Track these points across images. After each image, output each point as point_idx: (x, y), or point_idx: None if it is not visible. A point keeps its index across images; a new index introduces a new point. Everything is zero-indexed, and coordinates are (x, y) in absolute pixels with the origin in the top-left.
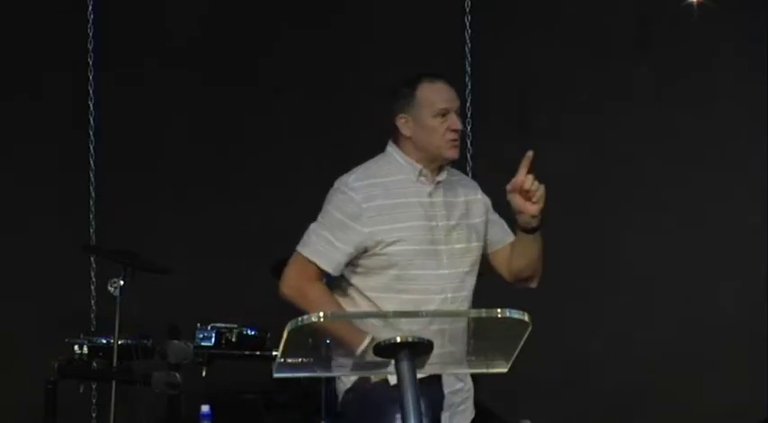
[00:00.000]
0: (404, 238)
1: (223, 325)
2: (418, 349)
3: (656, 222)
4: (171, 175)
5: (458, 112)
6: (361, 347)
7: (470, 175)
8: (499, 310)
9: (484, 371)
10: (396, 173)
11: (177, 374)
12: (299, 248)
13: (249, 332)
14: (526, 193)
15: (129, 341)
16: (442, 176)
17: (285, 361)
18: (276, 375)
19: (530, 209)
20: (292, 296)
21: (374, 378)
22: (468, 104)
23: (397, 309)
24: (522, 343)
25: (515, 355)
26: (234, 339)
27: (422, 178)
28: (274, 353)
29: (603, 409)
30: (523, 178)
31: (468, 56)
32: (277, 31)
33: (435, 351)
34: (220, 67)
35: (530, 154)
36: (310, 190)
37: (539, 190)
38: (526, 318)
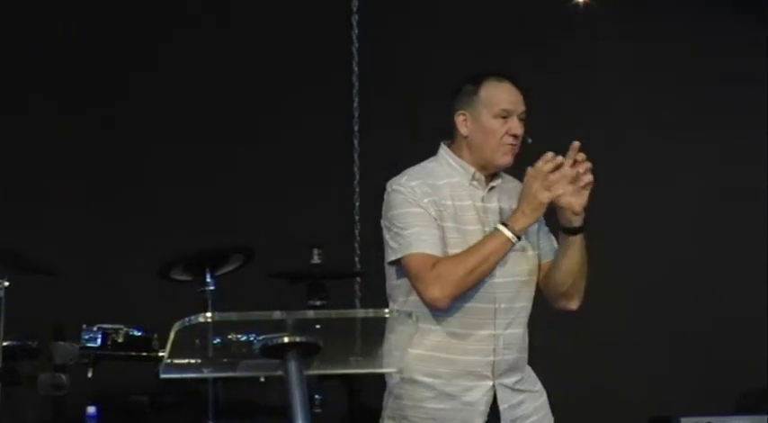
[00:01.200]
0: (459, 241)
1: (109, 326)
2: (306, 350)
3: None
4: (53, 173)
5: (522, 117)
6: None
7: (358, 175)
8: (387, 311)
9: (372, 371)
10: (449, 175)
11: (63, 376)
12: (402, 253)
13: (136, 333)
14: (573, 180)
15: (14, 342)
16: (497, 182)
17: (172, 362)
18: (163, 376)
19: (576, 202)
20: (444, 290)
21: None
22: (355, 105)
23: (452, 316)
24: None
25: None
26: (120, 340)
27: (474, 182)
28: (161, 354)
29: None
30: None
31: (356, 55)
32: (171, 29)
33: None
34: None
35: (576, 144)
36: (198, 190)
37: (587, 174)
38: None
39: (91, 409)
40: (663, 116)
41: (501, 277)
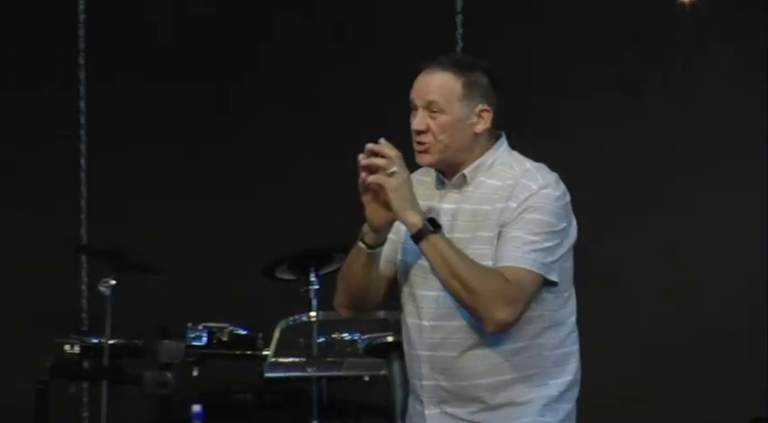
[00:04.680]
0: (389, 242)
1: (215, 324)
2: None
3: (651, 222)
4: (163, 173)
5: (432, 107)
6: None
7: None
8: None
9: None
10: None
11: (168, 374)
12: None
13: (240, 332)
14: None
15: (121, 341)
16: (458, 180)
17: (277, 360)
18: (267, 375)
19: (368, 213)
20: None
21: None
22: None
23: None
24: None
25: None
26: (225, 339)
27: (440, 181)
28: (266, 353)
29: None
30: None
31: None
32: (268, 27)
33: None
34: (207, 66)
35: (368, 146)
36: (303, 189)
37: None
38: None
39: (196, 408)
40: None
41: (423, 290)
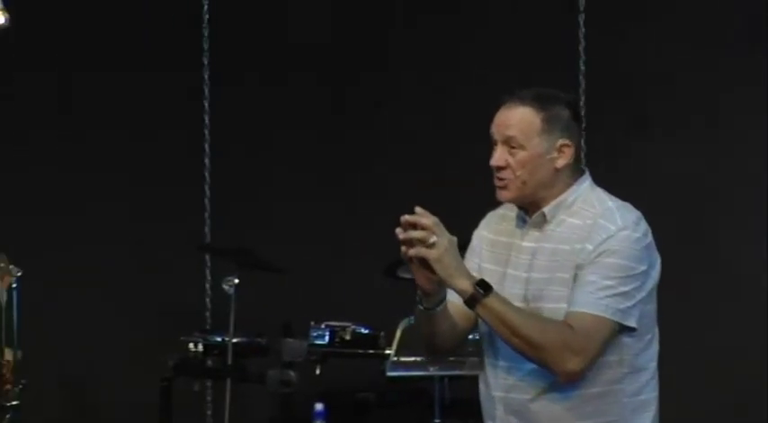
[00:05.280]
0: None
1: (337, 323)
2: None
3: None
4: (287, 173)
5: (511, 143)
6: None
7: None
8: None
9: None
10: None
11: (291, 373)
12: None
13: (363, 331)
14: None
15: (244, 339)
16: (538, 218)
17: (399, 359)
18: (389, 374)
19: (416, 277)
20: None
21: None
22: (581, 103)
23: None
24: None
25: None
26: (348, 338)
27: (521, 218)
28: (388, 351)
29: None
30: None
31: (582, 54)
32: (390, 29)
33: None
34: (335, 66)
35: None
36: (425, 187)
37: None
38: None
39: (318, 406)
40: None
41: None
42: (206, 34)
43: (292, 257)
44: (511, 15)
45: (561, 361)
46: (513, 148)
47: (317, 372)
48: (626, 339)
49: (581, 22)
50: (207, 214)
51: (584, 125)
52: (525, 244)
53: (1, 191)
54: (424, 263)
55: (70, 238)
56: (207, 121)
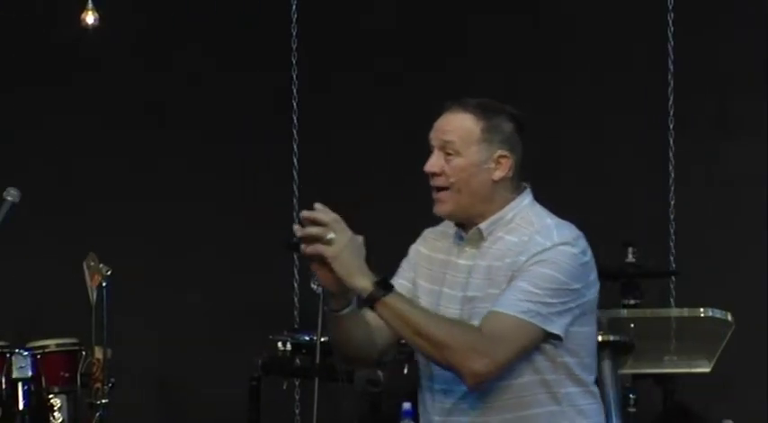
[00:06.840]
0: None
1: None
2: (620, 348)
3: None
4: (375, 174)
5: (448, 149)
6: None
7: (673, 174)
8: (702, 310)
9: (686, 371)
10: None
11: (379, 372)
12: None
13: None
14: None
15: None
16: (474, 234)
17: None
18: None
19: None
20: None
21: None
22: (670, 103)
23: None
24: (724, 343)
25: (718, 355)
26: None
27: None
28: None
29: None
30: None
31: (671, 54)
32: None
33: None
34: (419, 60)
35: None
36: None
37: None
38: (729, 317)
39: (406, 405)
40: None
41: None
42: (294, 33)
43: (378, 256)
44: (600, 12)
45: (466, 361)
46: (450, 154)
47: (405, 371)
48: (567, 359)
49: (670, 21)
50: (296, 213)
51: (672, 125)
52: (461, 262)
53: (95, 193)
54: (324, 263)
55: (160, 237)
56: (296, 121)
